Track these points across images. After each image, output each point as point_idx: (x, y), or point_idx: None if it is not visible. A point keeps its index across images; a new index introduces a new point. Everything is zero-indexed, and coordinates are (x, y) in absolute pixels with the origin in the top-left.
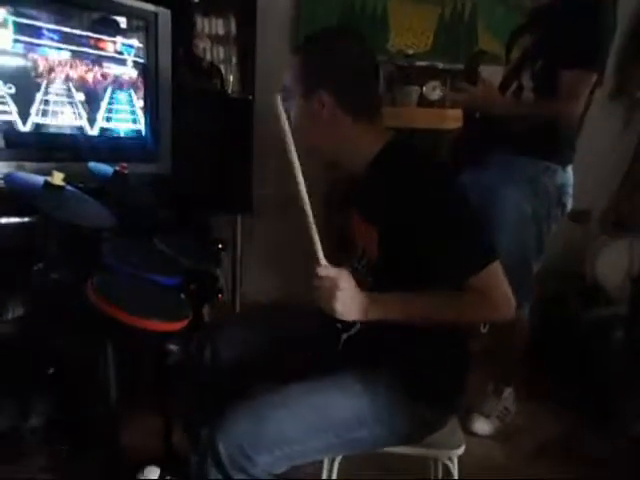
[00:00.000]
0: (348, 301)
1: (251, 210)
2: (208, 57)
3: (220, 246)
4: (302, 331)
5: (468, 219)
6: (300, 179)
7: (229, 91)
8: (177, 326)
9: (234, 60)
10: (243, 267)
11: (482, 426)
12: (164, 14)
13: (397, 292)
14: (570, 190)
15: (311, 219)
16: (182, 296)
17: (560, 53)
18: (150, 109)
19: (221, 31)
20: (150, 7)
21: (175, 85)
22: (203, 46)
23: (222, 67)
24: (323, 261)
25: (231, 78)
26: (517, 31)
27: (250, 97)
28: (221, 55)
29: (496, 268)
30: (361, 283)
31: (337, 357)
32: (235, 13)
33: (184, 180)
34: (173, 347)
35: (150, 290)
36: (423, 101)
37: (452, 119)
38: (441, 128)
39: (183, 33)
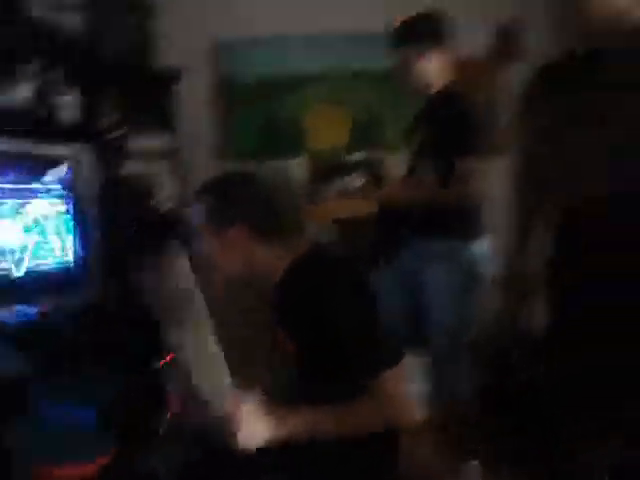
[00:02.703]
0: (252, 432)
1: None
2: (139, 174)
3: (168, 360)
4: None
5: (369, 324)
6: None
7: (162, 208)
8: (92, 468)
9: (166, 176)
10: None
11: None
12: (88, 151)
13: (299, 409)
14: (487, 261)
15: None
16: (105, 431)
17: (450, 143)
18: (79, 239)
19: (153, 147)
20: (74, 147)
21: (105, 208)
22: (133, 165)
23: (155, 184)
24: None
25: (163, 195)
26: (411, 124)
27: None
28: (153, 171)
29: (397, 372)
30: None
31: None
32: (164, 130)
33: (117, 307)
34: None
35: (72, 429)
36: (345, 193)
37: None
38: (365, 217)
39: (113, 154)
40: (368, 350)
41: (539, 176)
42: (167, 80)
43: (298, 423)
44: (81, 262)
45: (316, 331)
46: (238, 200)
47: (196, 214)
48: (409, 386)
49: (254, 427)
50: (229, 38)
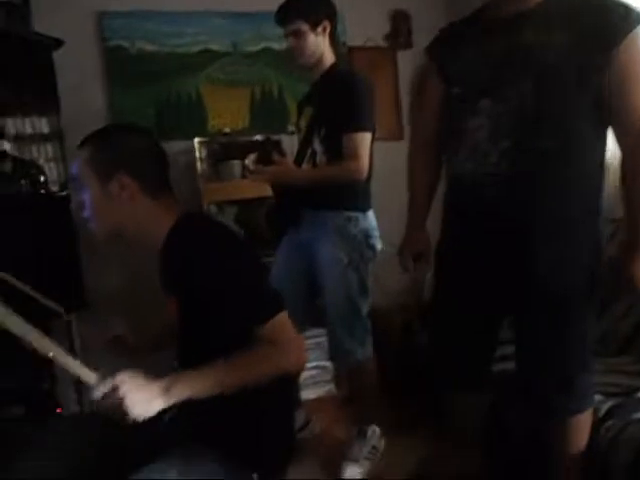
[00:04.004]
0: (142, 400)
1: (84, 306)
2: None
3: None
4: None
5: (249, 275)
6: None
7: (45, 189)
8: None
9: (50, 158)
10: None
11: (353, 472)
12: None
13: (194, 368)
14: (376, 232)
15: (62, 358)
16: None
17: (336, 120)
18: None
19: (29, 130)
20: None
21: None
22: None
23: (43, 165)
24: (93, 380)
25: (42, 178)
26: (302, 102)
27: (67, 193)
28: (35, 154)
29: (282, 318)
30: None
31: (158, 439)
32: (47, 112)
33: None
34: None
35: None
36: (246, 173)
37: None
38: (265, 196)
39: None
40: (256, 296)
41: (433, 149)
42: (47, 48)
43: (196, 378)
44: None
45: (198, 290)
46: (121, 149)
47: (78, 165)
48: (295, 332)
49: (146, 393)
50: (114, 10)
